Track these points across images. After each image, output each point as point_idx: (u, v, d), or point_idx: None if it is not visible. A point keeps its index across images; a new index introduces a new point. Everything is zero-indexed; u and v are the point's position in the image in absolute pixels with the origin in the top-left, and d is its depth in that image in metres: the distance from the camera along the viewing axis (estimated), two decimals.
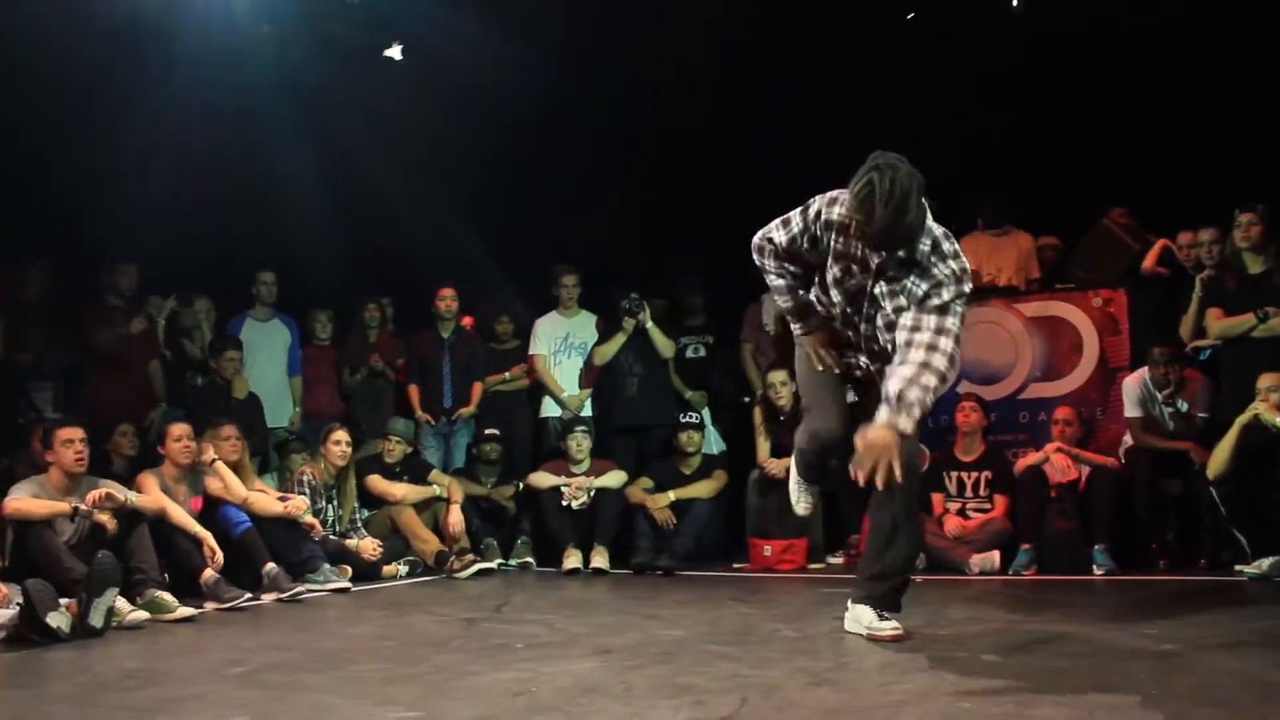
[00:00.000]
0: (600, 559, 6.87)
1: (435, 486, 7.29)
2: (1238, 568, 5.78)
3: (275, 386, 8.15)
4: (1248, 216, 6.39)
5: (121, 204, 7.57)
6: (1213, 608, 4.71)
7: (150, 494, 5.57)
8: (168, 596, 4.96)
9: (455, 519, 7.09)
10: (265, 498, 6.24)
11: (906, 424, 3.37)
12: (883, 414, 3.40)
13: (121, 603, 4.71)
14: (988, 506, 6.69)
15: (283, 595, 5.62)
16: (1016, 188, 8.15)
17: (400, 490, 7.15)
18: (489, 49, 8.09)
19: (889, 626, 3.86)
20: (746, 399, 7.95)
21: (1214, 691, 2.91)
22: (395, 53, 8.71)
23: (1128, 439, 6.80)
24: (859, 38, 8.41)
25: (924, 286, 3.52)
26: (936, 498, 6.81)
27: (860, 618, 3.94)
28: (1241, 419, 5.76)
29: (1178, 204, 7.38)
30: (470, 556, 6.86)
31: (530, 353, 8.17)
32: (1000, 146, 8.22)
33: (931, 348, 3.43)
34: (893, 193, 3.31)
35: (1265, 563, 5.62)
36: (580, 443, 7.38)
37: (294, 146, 8.64)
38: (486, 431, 7.72)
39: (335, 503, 6.87)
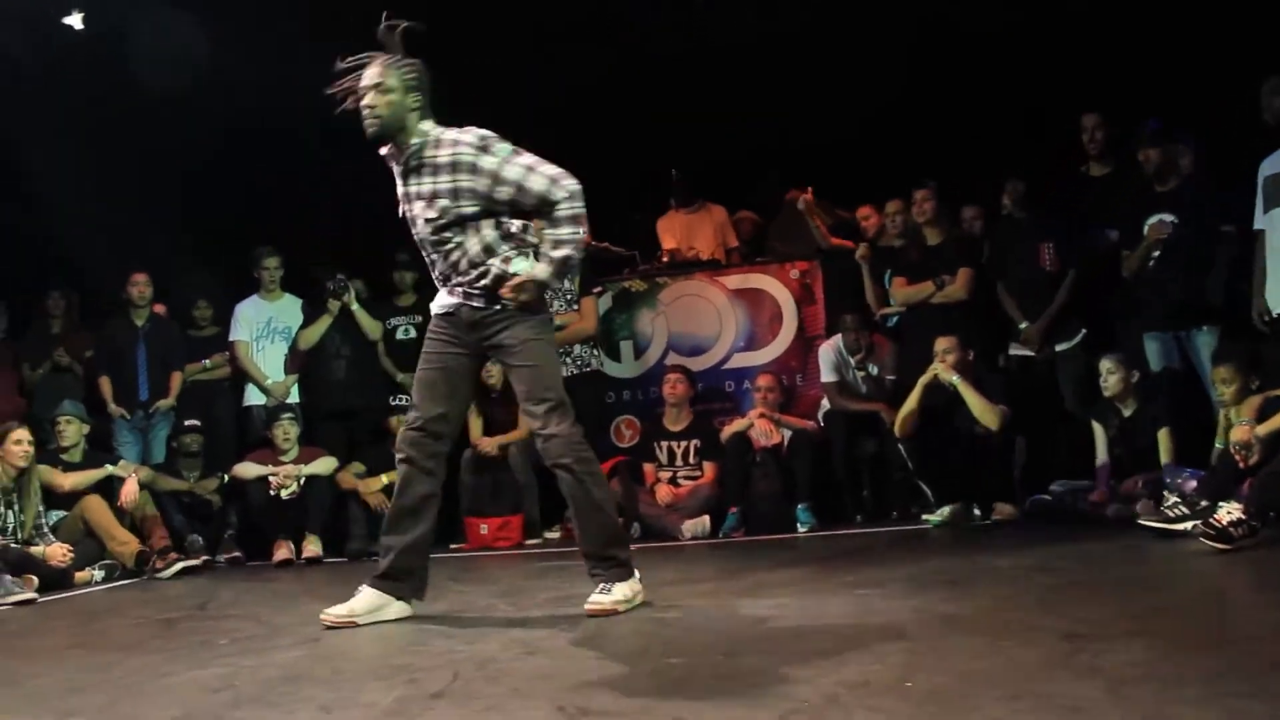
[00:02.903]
0: (313, 548, 6.68)
1: (108, 465, 6.83)
2: (923, 517, 6.21)
3: None
4: (922, 193, 6.89)
5: None
6: (900, 555, 5.05)
7: None
8: None
9: (129, 489, 6.71)
10: None
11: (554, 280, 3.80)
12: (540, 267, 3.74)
13: None
14: (698, 474, 6.91)
15: None
16: (708, 164, 8.41)
17: (69, 479, 6.65)
18: (176, 20, 7.66)
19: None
20: None
21: (897, 626, 3.10)
22: (76, 21, 8.09)
23: (825, 403, 7.18)
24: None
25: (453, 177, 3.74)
26: (648, 468, 6.99)
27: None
28: (923, 379, 6.19)
29: (859, 181, 7.85)
30: (173, 555, 6.49)
31: (231, 339, 7.82)
32: (692, 123, 8.48)
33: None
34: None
35: (945, 510, 6.08)
36: (287, 430, 7.13)
37: None
38: (187, 423, 7.35)
39: (17, 507, 6.35)
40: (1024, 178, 6.99)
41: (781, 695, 2.38)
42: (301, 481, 6.97)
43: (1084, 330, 6.59)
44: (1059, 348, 6.62)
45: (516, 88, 8.38)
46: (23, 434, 6.36)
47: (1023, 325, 6.65)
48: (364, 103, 3.77)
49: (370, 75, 3.76)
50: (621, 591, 3.75)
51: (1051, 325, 6.61)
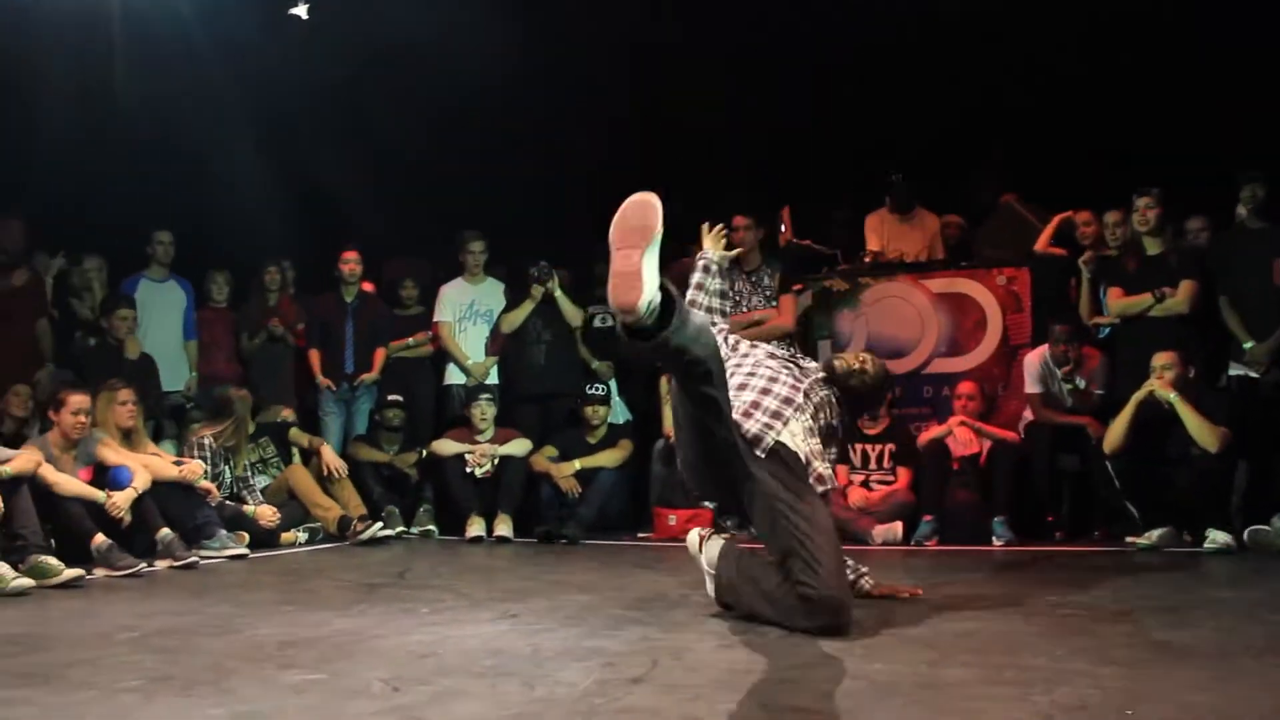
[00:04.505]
0: (504, 527, 6.81)
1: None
2: (1128, 539, 5.93)
3: (170, 350, 7.91)
4: (1145, 200, 6.53)
5: (8, 158, 7.26)
6: (1105, 577, 4.82)
7: (28, 455, 5.31)
8: (52, 560, 4.76)
9: (329, 454, 7.07)
10: (159, 461, 6.05)
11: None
12: None
13: (4, 569, 4.51)
14: (891, 478, 6.77)
15: (177, 562, 5.45)
16: (924, 170, 8.25)
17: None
18: (399, 8, 7.93)
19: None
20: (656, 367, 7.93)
21: (1110, 651, 2.96)
22: (301, 11, 8.50)
23: (1028, 414, 6.94)
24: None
25: None
26: (841, 469, 6.86)
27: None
28: (1137, 395, 5.89)
29: (1075, 188, 7.56)
30: (371, 521, 6.74)
31: (435, 320, 8.04)
32: (909, 127, 8.35)
33: None
34: None
35: (1154, 534, 5.78)
36: (484, 411, 7.29)
37: (195, 104, 8.41)
38: (389, 398, 7.58)
39: (230, 463, 6.72)
40: (1266, 182, 6.49)
41: (993, 712, 2.29)
42: (496, 461, 7.12)
43: None
44: None
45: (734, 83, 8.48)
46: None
47: (1248, 345, 6.27)
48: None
49: None
50: None
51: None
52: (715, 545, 3.80)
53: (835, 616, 3.22)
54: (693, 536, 3.97)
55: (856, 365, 4.00)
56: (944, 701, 2.43)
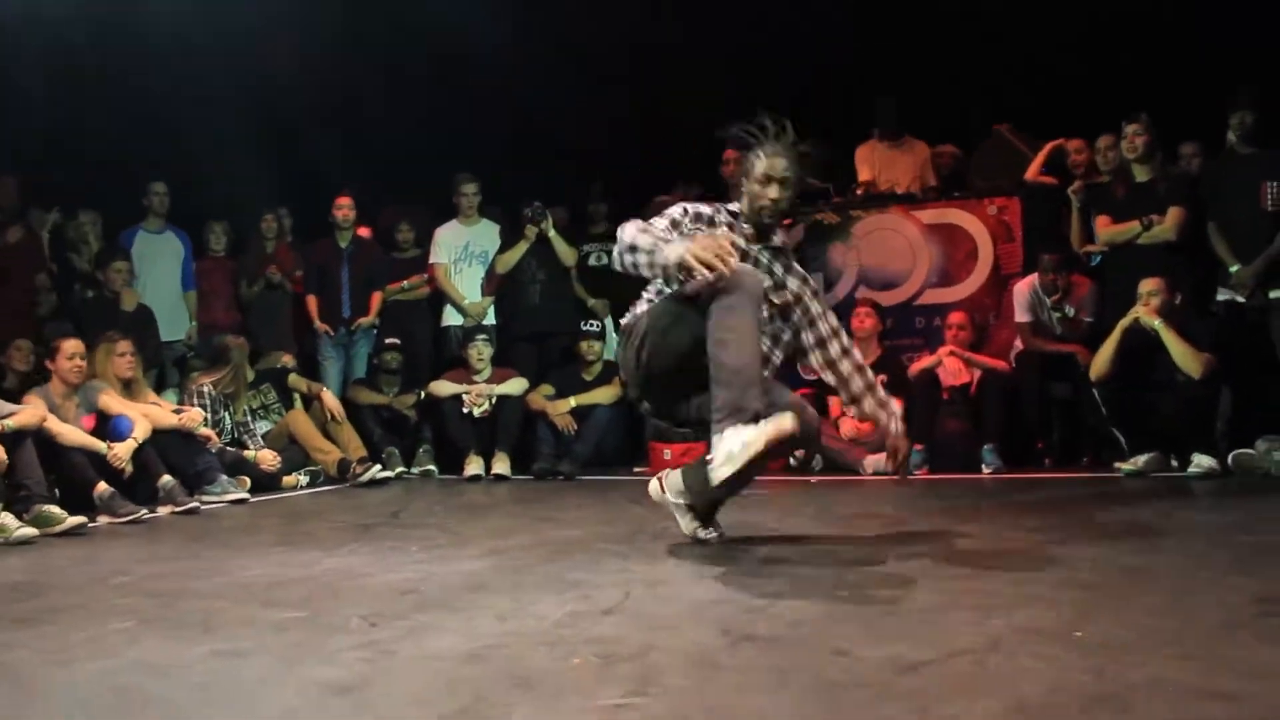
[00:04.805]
0: (502, 465, 6.92)
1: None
2: (1116, 465, 6.00)
3: (169, 300, 8.03)
4: (1133, 127, 6.52)
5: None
6: (1086, 503, 4.91)
7: (32, 410, 5.42)
8: (55, 509, 4.87)
9: (329, 399, 7.19)
10: (159, 410, 6.15)
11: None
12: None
13: (8, 519, 4.63)
14: None
15: (178, 508, 5.57)
16: (912, 96, 8.22)
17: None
18: None
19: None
20: None
21: (1075, 576, 3.03)
22: None
23: (1018, 343, 6.98)
24: None
25: None
26: (834, 400, 6.94)
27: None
28: (1123, 323, 5.94)
29: (1066, 114, 7.54)
30: (371, 463, 6.85)
31: (430, 261, 8.10)
32: (895, 54, 8.30)
33: None
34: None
35: (1140, 460, 5.86)
36: (481, 351, 7.38)
37: (185, 55, 8.40)
38: (387, 340, 7.68)
39: (229, 409, 6.81)
40: (1256, 108, 6.45)
41: (947, 635, 2.37)
42: (493, 401, 7.22)
43: None
44: (1273, 294, 6.18)
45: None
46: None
47: (1234, 268, 6.29)
48: (771, 194, 3.76)
49: (781, 167, 3.75)
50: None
51: (1267, 269, 6.21)
52: (673, 474, 3.88)
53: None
54: (652, 486, 3.99)
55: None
56: (902, 626, 2.51)
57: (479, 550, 3.86)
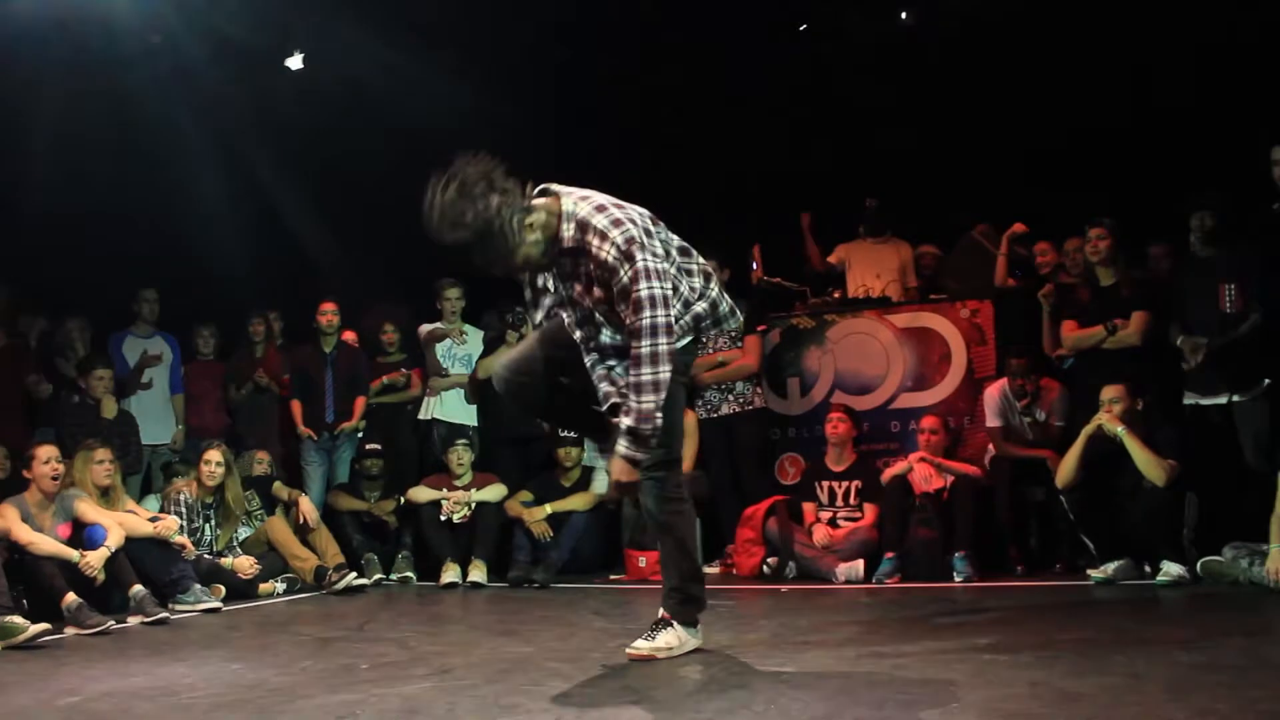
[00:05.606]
0: (478, 573, 6.92)
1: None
2: (1088, 571, 5.99)
3: (158, 404, 8.10)
4: (1096, 231, 6.61)
5: None
6: (1046, 616, 4.91)
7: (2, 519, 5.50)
8: (18, 619, 4.91)
9: (305, 505, 7.15)
10: (134, 519, 6.20)
11: (640, 452, 3.64)
12: (620, 445, 3.63)
13: None
14: (858, 515, 6.84)
15: (147, 619, 5.59)
16: (898, 197, 8.39)
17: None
18: (384, 60, 8.13)
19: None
20: None
21: (1006, 703, 3.04)
22: (296, 62, 8.68)
23: (991, 448, 7.01)
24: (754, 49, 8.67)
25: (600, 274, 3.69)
26: (808, 507, 6.96)
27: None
28: (1087, 429, 5.96)
29: (1043, 218, 7.67)
30: (347, 570, 6.87)
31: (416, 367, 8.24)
32: (883, 156, 8.50)
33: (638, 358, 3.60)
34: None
35: (1111, 567, 5.84)
36: (461, 456, 7.43)
37: (178, 161, 8.61)
38: (368, 447, 7.74)
39: (213, 522, 6.83)
40: (1215, 210, 6.45)
41: None
42: (472, 506, 7.26)
43: (1268, 381, 6.17)
44: (1238, 398, 6.18)
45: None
46: (214, 454, 6.80)
47: (1179, 339, 6.27)
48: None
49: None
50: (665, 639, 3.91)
51: (1234, 372, 6.22)
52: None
53: None
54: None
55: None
56: None
57: (427, 670, 3.89)
